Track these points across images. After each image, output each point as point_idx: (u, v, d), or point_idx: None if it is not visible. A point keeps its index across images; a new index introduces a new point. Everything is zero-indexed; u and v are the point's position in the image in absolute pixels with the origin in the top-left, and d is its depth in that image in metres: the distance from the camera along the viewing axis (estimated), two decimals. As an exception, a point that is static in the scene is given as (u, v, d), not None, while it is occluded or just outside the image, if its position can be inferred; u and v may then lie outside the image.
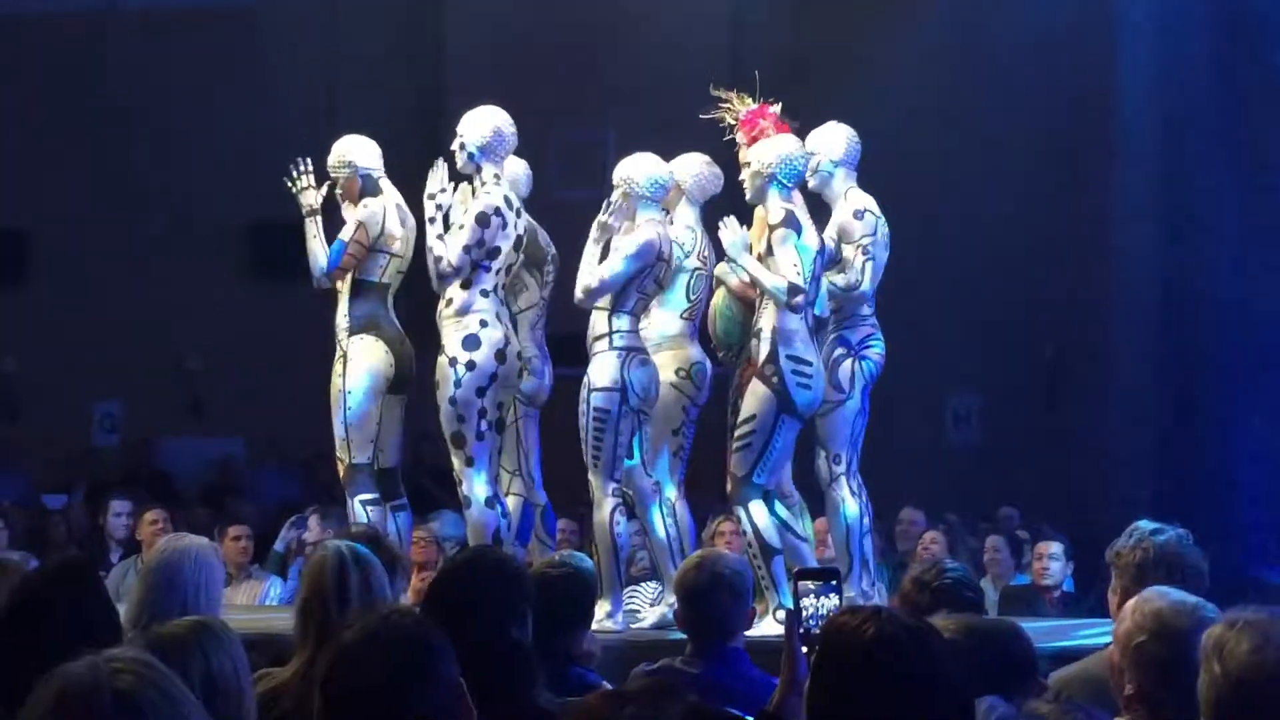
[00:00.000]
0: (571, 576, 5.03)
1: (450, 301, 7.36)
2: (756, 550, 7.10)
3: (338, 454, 7.63)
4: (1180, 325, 12.21)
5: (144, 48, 14.13)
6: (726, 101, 7.56)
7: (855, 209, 7.51)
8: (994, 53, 12.35)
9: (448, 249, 7.31)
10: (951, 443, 13.22)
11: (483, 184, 7.42)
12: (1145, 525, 4.68)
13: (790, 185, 7.20)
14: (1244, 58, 11.71)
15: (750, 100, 7.51)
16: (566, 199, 14.02)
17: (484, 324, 7.29)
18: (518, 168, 7.95)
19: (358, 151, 7.78)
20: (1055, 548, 9.00)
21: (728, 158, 7.68)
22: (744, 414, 7.13)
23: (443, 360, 7.33)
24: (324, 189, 7.80)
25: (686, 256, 7.63)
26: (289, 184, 7.85)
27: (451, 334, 7.32)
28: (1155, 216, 12.48)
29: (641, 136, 12.96)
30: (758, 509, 7.12)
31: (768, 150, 7.22)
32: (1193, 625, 3.56)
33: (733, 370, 7.58)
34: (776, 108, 7.52)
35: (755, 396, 7.10)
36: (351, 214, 7.67)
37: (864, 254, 7.43)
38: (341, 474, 7.64)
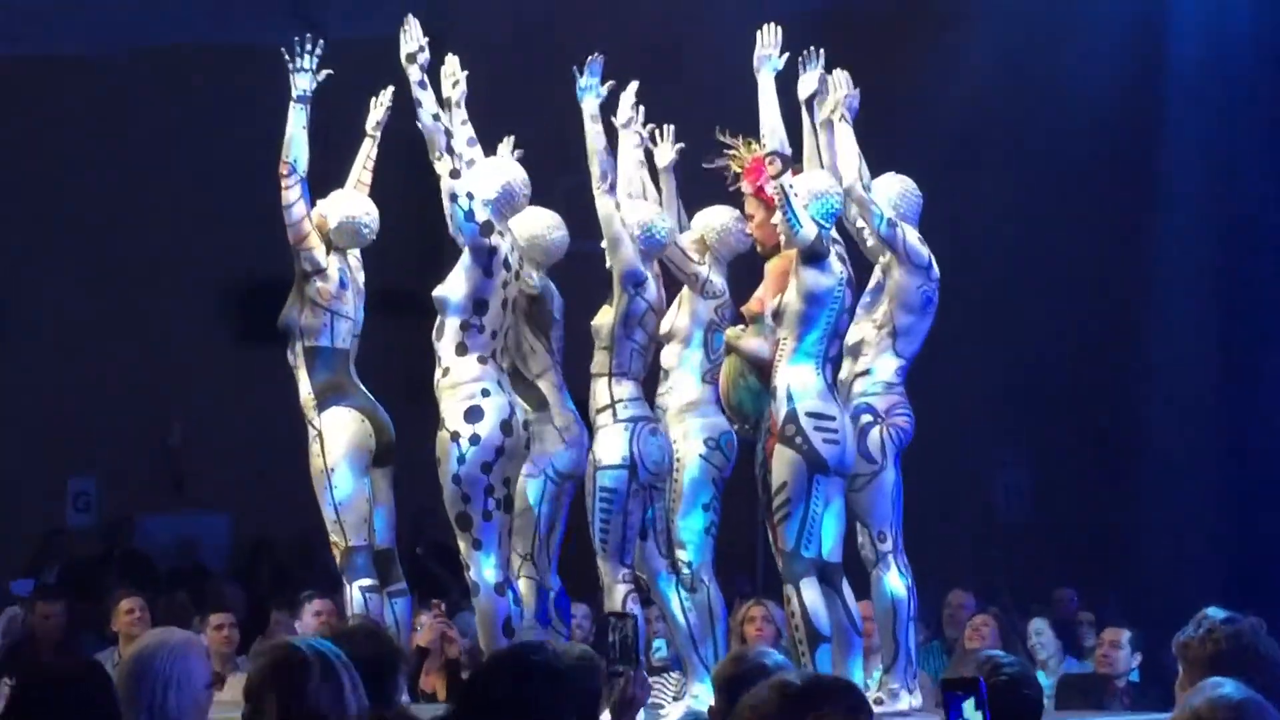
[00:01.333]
0: (584, 670, 5.01)
1: (447, 371, 7.33)
2: (803, 635, 7.05)
3: (332, 538, 7.59)
4: (1241, 395, 12.20)
5: (124, 111, 14.19)
6: (732, 148, 7.56)
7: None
8: (1038, 106, 12.43)
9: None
10: (1002, 520, 13.18)
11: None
12: (1215, 614, 4.63)
13: (826, 224, 7.19)
14: None
15: (756, 147, 7.51)
16: (574, 250, 14.06)
17: (486, 393, 7.25)
18: (542, 227, 7.85)
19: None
20: (1123, 636, 8.96)
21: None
22: (775, 483, 7.09)
23: (443, 435, 7.28)
24: (321, 74, 7.92)
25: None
26: (286, 57, 7.91)
27: (451, 406, 7.27)
28: (1208, 280, 12.50)
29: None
30: (809, 588, 7.07)
31: (799, 185, 7.22)
32: None
33: (754, 441, 7.54)
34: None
35: (782, 462, 7.08)
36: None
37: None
38: (338, 558, 7.61)
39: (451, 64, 7.69)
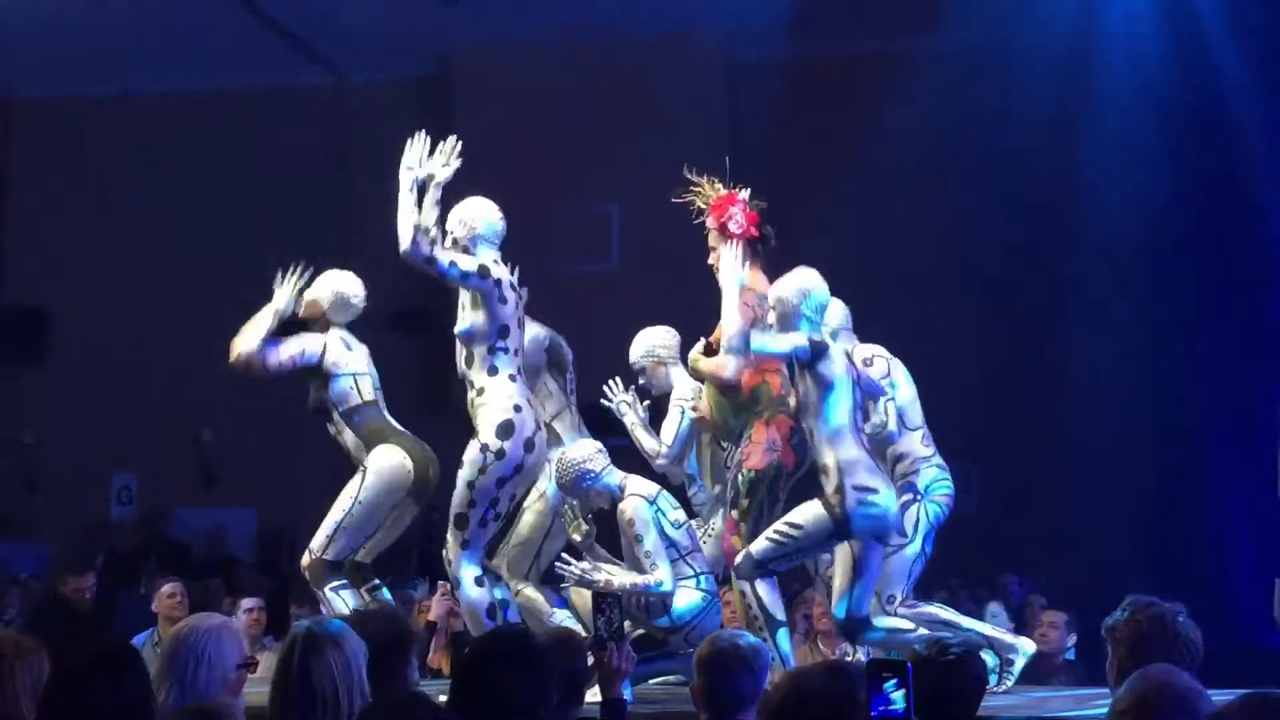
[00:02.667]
0: (567, 650, 5.06)
1: (481, 390, 7.34)
2: (762, 622, 7.10)
3: (312, 543, 7.56)
4: (1173, 392, 12.28)
5: (159, 131, 14.28)
6: (698, 186, 7.59)
7: (864, 358, 7.54)
8: (977, 141, 12.54)
9: (407, 234, 7.20)
10: (951, 513, 13.24)
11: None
12: (1139, 600, 4.70)
13: (817, 318, 7.18)
14: (1209, 166, 11.89)
15: (720, 186, 7.55)
16: (572, 274, 14.15)
17: (518, 408, 7.27)
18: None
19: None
20: (1059, 617, 9.04)
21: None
22: (794, 518, 7.02)
23: (474, 444, 7.29)
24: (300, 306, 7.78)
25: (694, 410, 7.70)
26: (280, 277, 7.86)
27: (486, 418, 7.27)
28: (1132, 299, 12.60)
29: (644, 213, 13.20)
30: (762, 583, 7.12)
31: (786, 286, 7.20)
32: (1170, 705, 3.61)
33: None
34: (745, 193, 7.54)
35: (812, 513, 7.00)
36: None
37: (883, 394, 7.44)
38: (306, 564, 7.58)
39: (450, 145, 7.56)
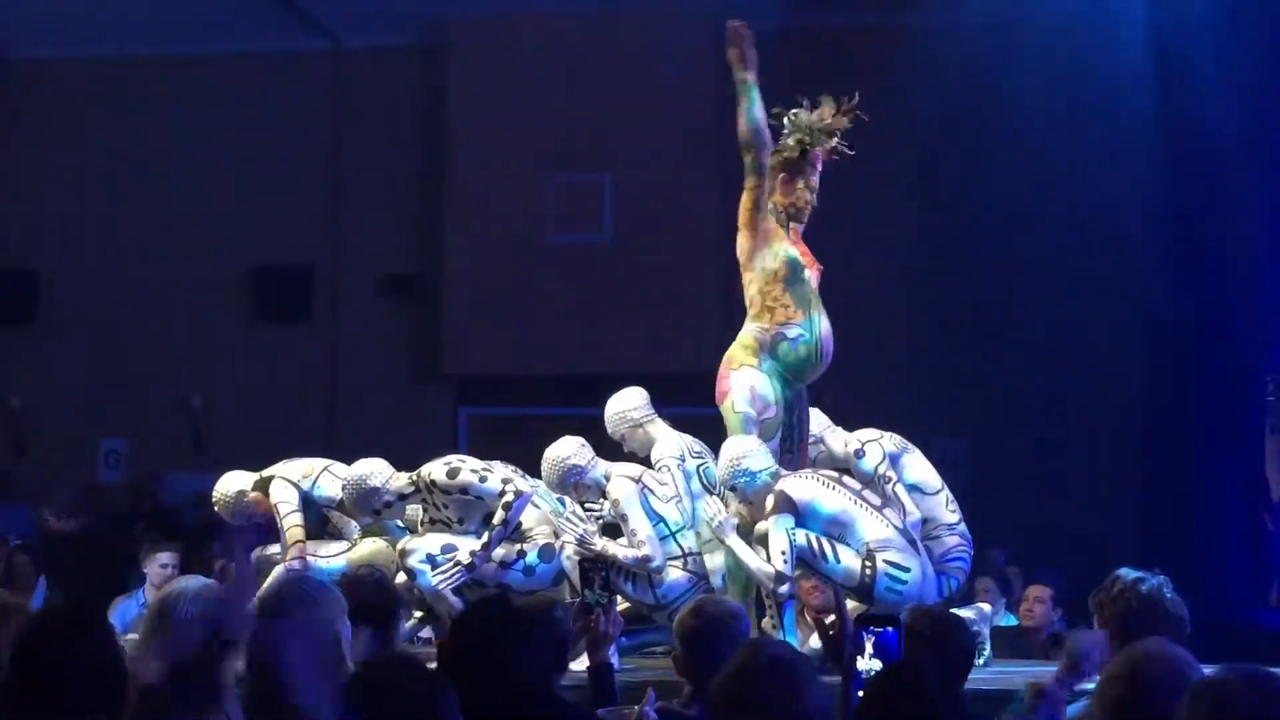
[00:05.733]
0: (551, 620, 5.08)
1: None
2: (769, 590, 7.10)
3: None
4: (1165, 367, 12.31)
5: (153, 94, 14.26)
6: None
7: (855, 450, 7.41)
8: (983, 128, 12.57)
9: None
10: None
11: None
12: (1127, 574, 4.72)
13: (759, 473, 6.96)
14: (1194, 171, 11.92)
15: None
16: (563, 244, 14.16)
17: None
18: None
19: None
20: (1045, 592, 9.06)
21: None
22: (838, 552, 6.88)
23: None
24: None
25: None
26: None
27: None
28: (1141, 261, 12.62)
29: (636, 183, 13.19)
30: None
31: (724, 458, 7.04)
32: (1161, 676, 3.64)
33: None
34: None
35: (849, 563, 6.85)
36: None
37: (888, 483, 7.25)
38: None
39: None
